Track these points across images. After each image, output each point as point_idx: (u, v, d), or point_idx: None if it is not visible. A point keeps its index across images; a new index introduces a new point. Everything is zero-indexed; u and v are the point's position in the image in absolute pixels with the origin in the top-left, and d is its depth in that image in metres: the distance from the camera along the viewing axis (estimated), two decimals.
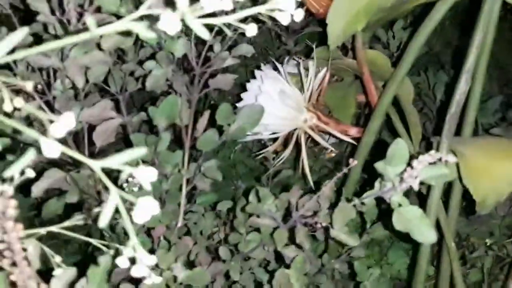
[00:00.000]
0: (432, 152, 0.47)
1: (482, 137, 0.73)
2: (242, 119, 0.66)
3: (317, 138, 0.91)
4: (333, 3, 0.80)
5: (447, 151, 0.68)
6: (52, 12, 0.54)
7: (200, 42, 0.76)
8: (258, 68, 0.95)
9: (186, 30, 0.93)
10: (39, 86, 0.61)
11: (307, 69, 0.97)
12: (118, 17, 0.55)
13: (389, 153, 0.50)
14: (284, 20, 0.29)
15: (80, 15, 0.55)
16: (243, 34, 0.74)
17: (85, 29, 0.56)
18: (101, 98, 0.69)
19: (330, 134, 0.97)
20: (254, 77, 0.95)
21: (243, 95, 0.92)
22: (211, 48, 0.70)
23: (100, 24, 0.28)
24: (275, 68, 0.97)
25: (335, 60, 0.92)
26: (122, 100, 0.75)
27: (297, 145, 0.96)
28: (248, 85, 0.94)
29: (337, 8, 0.80)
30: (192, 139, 0.70)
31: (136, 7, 0.56)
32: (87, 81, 0.59)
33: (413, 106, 0.81)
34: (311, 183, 0.91)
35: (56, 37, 0.55)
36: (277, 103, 0.88)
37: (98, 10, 0.55)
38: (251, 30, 0.30)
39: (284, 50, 1.12)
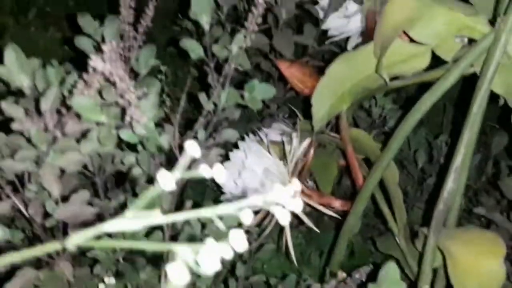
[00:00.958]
0: None
1: (468, 230, 0.73)
2: None
3: (300, 213, 0.90)
4: (318, 86, 0.79)
5: (434, 247, 0.67)
6: (28, 117, 0.51)
7: (183, 129, 0.74)
8: (241, 138, 0.93)
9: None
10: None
11: (290, 138, 0.96)
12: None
13: (381, 277, 0.48)
14: (284, 220, 0.27)
15: (58, 119, 0.53)
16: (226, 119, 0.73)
17: (63, 134, 0.54)
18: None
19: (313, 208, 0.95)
20: (236, 147, 0.93)
21: (226, 165, 0.90)
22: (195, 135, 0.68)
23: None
24: (259, 136, 0.96)
25: (319, 134, 0.91)
26: (100, 183, 0.73)
27: None
28: (231, 155, 0.92)
29: (322, 91, 0.79)
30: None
31: (122, 117, 0.54)
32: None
33: (398, 188, 0.80)
34: (294, 260, 0.89)
35: (31, 141, 0.52)
36: (261, 179, 0.86)
37: (77, 114, 0.53)
38: (247, 218, 0.28)
39: (267, 114, 1.11)
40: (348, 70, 0.77)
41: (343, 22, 1.01)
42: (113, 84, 0.47)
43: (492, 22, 0.66)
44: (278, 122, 1.08)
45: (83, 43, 0.69)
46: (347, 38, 1.04)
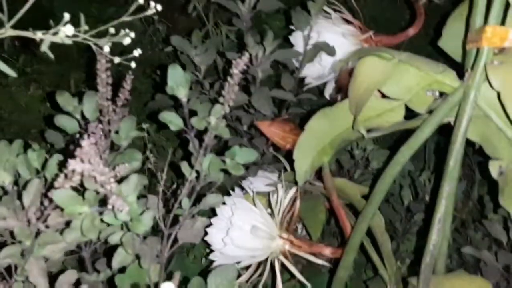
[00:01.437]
0: None
1: (457, 276, 0.74)
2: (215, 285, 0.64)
3: (290, 267, 0.90)
4: (299, 142, 0.81)
5: None
6: (11, 212, 0.52)
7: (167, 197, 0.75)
8: (228, 193, 0.94)
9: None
10: None
11: (276, 189, 0.97)
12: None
13: None
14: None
15: (41, 211, 0.53)
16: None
17: (47, 226, 0.54)
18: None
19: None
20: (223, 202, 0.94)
21: (213, 221, 0.90)
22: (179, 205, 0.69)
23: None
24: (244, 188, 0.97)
25: (304, 184, 0.92)
26: (87, 256, 0.73)
27: (273, 270, 0.94)
28: (218, 211, 0.93)
29: (303, 146, 0.81)
30: None
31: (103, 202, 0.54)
32: None
33: (385, 236, 0.81)
34: None
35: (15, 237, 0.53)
36: (249, 236, 0.87)
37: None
38: None
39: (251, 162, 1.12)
40: (327, 125, 0.79)
41: (319, 70, 1.03)
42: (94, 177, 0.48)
43: (461, 74, 0.68)
44: (263, 170, 1.10)
45: (63, 122, 0.70)
46: (324, 85, 1.06)
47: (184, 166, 0.69)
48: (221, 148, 0.74)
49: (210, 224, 0.90)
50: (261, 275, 0.94)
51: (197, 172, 0.69)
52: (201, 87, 0.96)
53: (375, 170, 1.12)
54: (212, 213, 0.93)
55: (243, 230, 0.87)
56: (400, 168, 0.73)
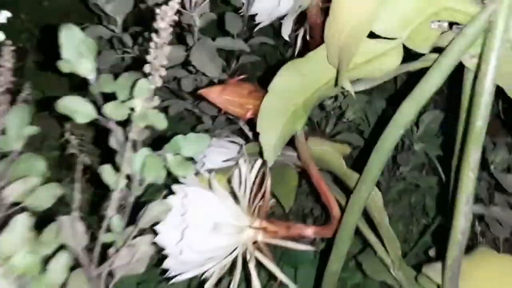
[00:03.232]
0: None
1: (484, 258, 0.60)
2: None
3: (267, 263, 0.74)
4: (262, 107, 0.62)
5: None
6: None
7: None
8: (176, 181, 0.75)
9: None
10: None
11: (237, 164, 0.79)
12: None
13: None
14: None
15: None
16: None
17: None
18: None
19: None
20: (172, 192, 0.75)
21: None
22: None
23: None
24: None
25: None
26: None
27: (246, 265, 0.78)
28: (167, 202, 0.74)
29: (269, 113, 0.62)
30: None
31: None
32: None
33: (384, 213, 0.66)
34: None
35: None
36: (210, 235, 0.69)
37: None
38: None
39: (202, 129, 0.93)
40: (298, 82, 0.60)
41: (273, 3, 0.82)
42: None
43: None
44: (217, 138, 0.91)
45: None
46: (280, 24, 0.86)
47: (106, 171, 0.49)
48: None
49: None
50: (231, 273, 0.78)
51: (128, 176, 0.50)
52: (122, 45, 0.74)
53: (350, 122, 0.95)
54: None
55: (202, 228, 0.69)
56: (403, 132, 0.56)
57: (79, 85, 0.47)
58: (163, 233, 0.73)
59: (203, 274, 0.76)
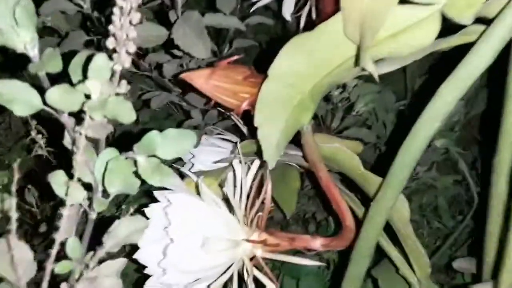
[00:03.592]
0: None
1: None
2: None
3: (266, 281, 0.62)
4: (261, 96, 0.50)
5: None
6: None
7: None
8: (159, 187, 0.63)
9: None
10: None
11: (231, 165, 0.67)
12: None
13: None
14: None
15: None
16: None
17: None
18: None
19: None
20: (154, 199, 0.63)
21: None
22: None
23: None
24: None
25: None
26: None
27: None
28: (148, 212, 0.62)
29: (269, 103, 0.50)
30: None
31: None
32: None
33: (409, 227, 0.54)
34: None
35: None
36: (199, 253, 0.57)
37: None
38: None
39: (190, 126, 0.81)
40: (305, 63, 0.48)
41: None
42: None
43: None
44: (209, 137, 0.79)
45: None
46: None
47: (56, 179, 0.37)
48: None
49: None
50: None
51: (86, 186, 0.38)
52: (91, 24, 0.62)
53: (360, 115, 0.84)
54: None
55: (189, 244, 0.57)
56: (439, 124, 0.44)
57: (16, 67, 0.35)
58: (144, 249, 0.62)
59: None
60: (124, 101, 0.35)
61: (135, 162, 0.37)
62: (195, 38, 0.51)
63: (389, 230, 0.59)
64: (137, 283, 0.65)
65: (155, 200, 0.64)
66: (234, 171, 0.66)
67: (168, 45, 0.62)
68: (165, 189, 0.63)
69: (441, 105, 0.43)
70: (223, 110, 0.77)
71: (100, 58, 0.33)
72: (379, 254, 0.83)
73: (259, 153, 0.59)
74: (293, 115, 0.52)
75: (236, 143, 0.65)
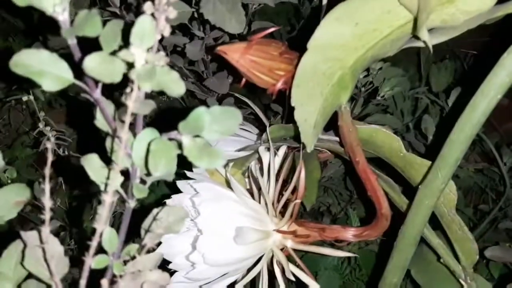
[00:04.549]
0: None
1: None
2: None
3: (298, 273, 0.58)
4: (299, 71, 0.46)
5: None
6: None
7: None
8: (182, 176, 0.59)
9: None
10: None
11: (255, 152, 0.63)
12: None
13: None
14: None
15: None
16: None
17: None
18: None
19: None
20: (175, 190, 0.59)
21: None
22: None
23: None
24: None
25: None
26: None
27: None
28: (169, 203, 0.58)
29: (308, 79, 0.46)
30: None
31: None
32: None
33: (455, 215, 0.50)
34: None
35: None
36: (230, 245, 0.53)
37: None
38: None
39: None
40: (350, 35, 0.44)
41: None
42: None
43: None
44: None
45: None
46: None
47: (91, 163, 0.33)
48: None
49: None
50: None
51: (123, 173, 0.34)
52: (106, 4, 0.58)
53: (385, 100, 0.80)
54: None
55: (221, 236, 0.53)
56: (501, 97, 0.41)
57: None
58: (167, 243, 0.58)
59: None
60: (172, 71, 0.31)
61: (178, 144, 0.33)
62: (228, 12, 0.47)
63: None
64: None
65: (175, 191, 0.60)
66: (260, 158, 0.63)
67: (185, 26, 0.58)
68: (186, 179, 0.59)
69: (504, 76, 0.40)
70: (241, 98, 0.73)
71: (145, 21, 0.29)
72: None
73: (295, 136, 0.55)
74: (332, 93, 0.48)
75: (261, 130, 0.61)
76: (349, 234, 0.64)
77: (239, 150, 0.67)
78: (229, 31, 0.49)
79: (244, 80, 0.50)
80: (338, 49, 0.45)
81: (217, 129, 0.34)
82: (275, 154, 0.61)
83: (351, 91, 0.50)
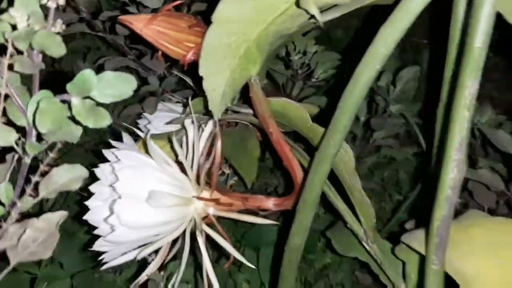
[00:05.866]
0: None
1: (477, 223, 0.50)
2: None
3: (218, 239, 0.62)
4: (205, 43, 0.50)
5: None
6: None
7: None
8: (108, 145, 0.62)
9: None
10: None
11: (183, 127, 0.67)
12: None
13: None
14: None
15: None
16: None
17: None
18: None
19: None
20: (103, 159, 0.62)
21: (94, 188, 0.59)
22: None
23: None
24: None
25: (224, 115, 0.63)
26: None
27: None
28: (97, 172, 0.61)
29: (214, 51, 0.51)
30: None
31: None
32: None
33: (356, 177, 0.55)
34: None
35: None
36: (147, 208, 0.57)
37: None
38: None
39: (147, 92, 0.80)
40: (250, 9, 0.49)
41: None
42: None
43: None
44: (167, 103, 0.78)
45: None
46: None
47: None
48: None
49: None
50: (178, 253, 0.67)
51: (17, 128, 0.38)
52: None
53: (321, 82, 0.84)
54: None
55: (137, 200, 0.57)
56: (380, 68, 0.46)
57: None
58: (93, 210, 0.62)
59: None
60: (54, 34, 0.34)
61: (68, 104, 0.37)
62: None
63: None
64: (87, 246, 0.65)
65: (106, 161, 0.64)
66: (186, 132, 0.66)
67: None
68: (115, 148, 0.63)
69: (381, 47, 0.44)
70: (182, 76, 0.76)
71: None
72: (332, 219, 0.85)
73: (208, 110, 0.59)
74: (240, 65, 0.52)
75: (186, 101, 0.65)
76: (270, 203, 0.68)
77: (168, 122, 0.70)
78: (149, 6, 0.53)
79: (160, 52, 0.53)
80: (241, 22, 0.49)
81: (110, 93, 0.38)
82: (200, 127, 0.65)
83: (259, 64, 0.54)
